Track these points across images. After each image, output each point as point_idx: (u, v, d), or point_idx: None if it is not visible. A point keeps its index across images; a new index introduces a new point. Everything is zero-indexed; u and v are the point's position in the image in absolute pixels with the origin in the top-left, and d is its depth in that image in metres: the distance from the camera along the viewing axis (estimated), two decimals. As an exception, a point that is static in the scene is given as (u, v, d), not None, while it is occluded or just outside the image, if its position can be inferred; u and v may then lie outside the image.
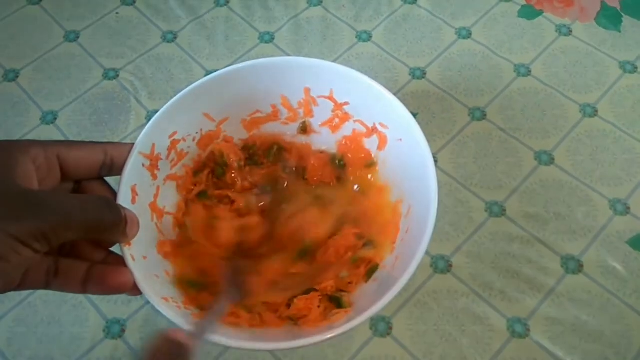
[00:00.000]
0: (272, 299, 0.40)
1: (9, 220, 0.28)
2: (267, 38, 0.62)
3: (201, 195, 0.44)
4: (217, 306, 0.35)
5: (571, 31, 0.61)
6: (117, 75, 0.59)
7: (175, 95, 0.41)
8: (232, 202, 0.44)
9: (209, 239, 0.41)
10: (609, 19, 0.62)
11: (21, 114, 0.57)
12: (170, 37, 0.62)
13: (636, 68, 0.58)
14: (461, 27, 0.62)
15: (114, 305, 0.47)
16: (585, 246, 0.49)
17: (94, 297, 0.47)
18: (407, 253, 0.37)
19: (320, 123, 0.46)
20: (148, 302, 0.35)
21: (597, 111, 0.56)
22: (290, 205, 0.44)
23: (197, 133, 0.44)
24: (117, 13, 0.64)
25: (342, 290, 0.40)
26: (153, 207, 0.40)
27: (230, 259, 0.41)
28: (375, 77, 0.42)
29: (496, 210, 0.51)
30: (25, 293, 0.47)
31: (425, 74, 0.59)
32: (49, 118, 0.57)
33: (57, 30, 0.63)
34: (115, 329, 0.46)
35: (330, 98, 0.44)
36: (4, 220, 0.28)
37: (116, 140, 0.55)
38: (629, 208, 0.50)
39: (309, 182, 0.45)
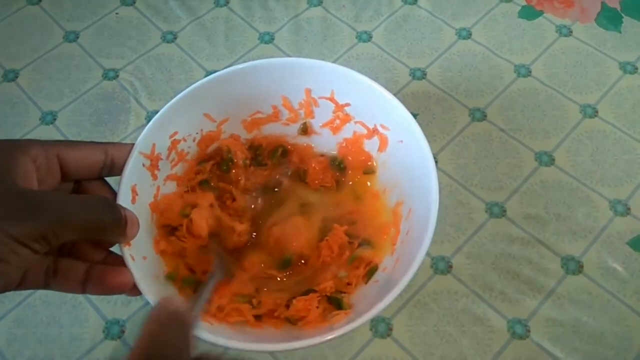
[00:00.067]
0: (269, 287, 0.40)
1: (9, 220, 0.28)
2: (267, 38, 0.62)
3: (203, 183, 0.44)
4: (207, 283, 0.37)
5: (571, 32, 0.61)
6: (117, 76, 0.59)
7: (175, 96, 0.41)
8: (233, 199, 0.44)
9: (186, 229, 0.41)
10: (609, 19, 0.62)
11: (21, 114, 0.57)
12: (170, 38, 0.62)
13: (636, 69, 0.58)
14: (461, 27, 0.62)
15: (113, 306, 0.47)
16: (586, 247, 0.49)
17: (93, 298, 0.47)
18: (408, 255, 0.37)
19: (321, 124, 0.46)
20: (148, 303, 0.35)
21: (597, 112, 0.56)
22: (278, 212, 0.44)
23: (197, 133, 0.44)
24: (117, 13, 0.64)
25: (341, 291, 0.40)
26: (153, 207, 0.40)
27: (215, 252, 0.41)
28: (375, 78, 0.42)
29: (496, 211, 0.51)
30: (25, 293, 0.47)
31: (425, 74, 0.59)
32: (49, 118, 0.57)
33: (57, 30, 0.63)
34: (114, 330, 0.46)
35: (331, 99, 0.44)
36: (3, 221, 0.27)
37: (116, 140, 0.55)
38: (629, 209, 0.50)
39: (309, 186, 0.45)
